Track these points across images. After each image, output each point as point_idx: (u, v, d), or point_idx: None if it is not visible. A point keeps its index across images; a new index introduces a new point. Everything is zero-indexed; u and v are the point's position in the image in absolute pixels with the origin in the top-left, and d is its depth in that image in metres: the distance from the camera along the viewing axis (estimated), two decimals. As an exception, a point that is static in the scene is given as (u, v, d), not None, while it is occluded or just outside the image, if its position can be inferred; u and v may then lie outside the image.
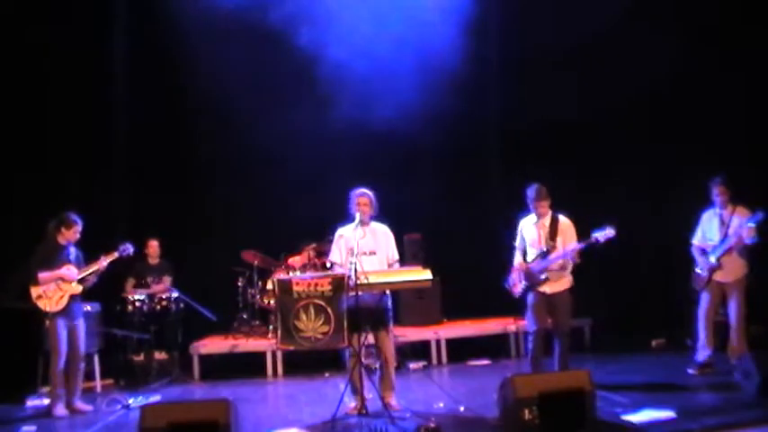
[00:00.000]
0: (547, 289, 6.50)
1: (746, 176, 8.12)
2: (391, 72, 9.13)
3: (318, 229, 8.77)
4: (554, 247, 6.47)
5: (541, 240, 6.55)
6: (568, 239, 6.48)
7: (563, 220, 6.58)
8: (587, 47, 9.02)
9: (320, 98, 9.26)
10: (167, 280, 8.69)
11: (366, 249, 6.09)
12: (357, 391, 5.99)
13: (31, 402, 7.19)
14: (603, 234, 6.25)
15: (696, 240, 7.11)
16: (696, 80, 8.76)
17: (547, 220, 6.57)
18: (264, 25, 9.02)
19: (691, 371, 6.94)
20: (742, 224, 6.72)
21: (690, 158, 8.58)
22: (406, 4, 9.31)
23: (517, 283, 6.68)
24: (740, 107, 8.67)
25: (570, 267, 6.52)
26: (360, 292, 5.77)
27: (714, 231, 6.93)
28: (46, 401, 6.95)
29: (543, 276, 6.49)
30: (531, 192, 6.58)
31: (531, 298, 6.59)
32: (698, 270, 7.00)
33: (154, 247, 8.80)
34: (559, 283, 6.51)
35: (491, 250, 8.95)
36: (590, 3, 8.73)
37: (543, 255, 6.51)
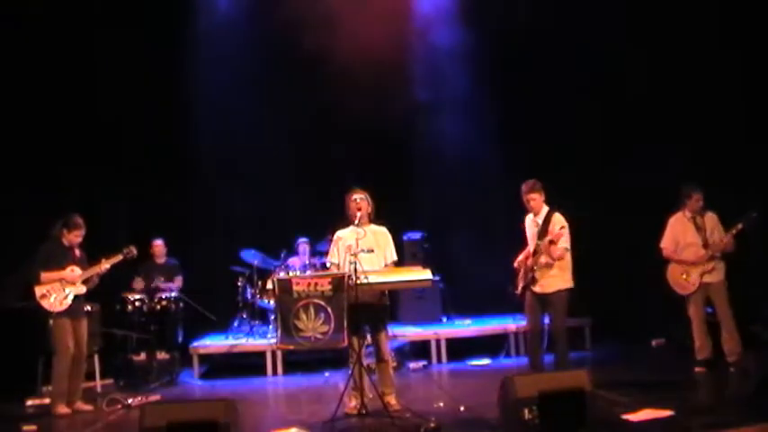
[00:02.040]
0: (538, 289, 6.52)
1: (746, 176, 8.15)
2: (392, 72, 9.14)
3: (318, 228, 8.80)
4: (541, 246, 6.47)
5: (534, 238, 6.56)
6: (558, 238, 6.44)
7: (556, 218, 6.54)
8: (587, 47, 9.03)
9: (321, 99, 9.28)
10: (179, 279, 8.70)
11: (364, 247, 6.09)
12: (357, 391, 5.99)
13: (31, 402, 7.19)
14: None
15: (666, 244, 7.11)
16: (697, 79, 8.75)
17: (541, 217, 6.57)
18: (266, 26, 9.04)
19: (697, 369, 6.93)
20: (716, 229, 6.89)
21: (690, 158, 8.57)
22: (406, 5, 9.33)
23: (519, 282, 6.71)
24: (740, 106, 8.66)
25: (564, 267, 6.47)
26: (360, 292, 5.77)
27: (692, 236, 6.97)
28: (46, 401, 6.95)
29: (531, 274, 6.51)
30: (523, 185, 6.61)
31: (526, 297, 6.64)
32: (691, 272, 6.95)
33: (159, 246, 8.80)
34: (552, 283, 6.49)
35: (491, 250, 8.97)
36: (590, 2, 8.76)
37: (534, 252, 6.53)
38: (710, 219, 6.98)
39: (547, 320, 6.66)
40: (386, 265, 6.21)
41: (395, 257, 6.32)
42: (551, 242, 6.35)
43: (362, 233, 6.09)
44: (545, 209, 6.60)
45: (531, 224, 6.67)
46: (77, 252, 6.92)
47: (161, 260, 8.83)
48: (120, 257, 6.96)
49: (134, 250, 7.06)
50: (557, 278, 6.50)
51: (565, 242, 6.43)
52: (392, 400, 6.07)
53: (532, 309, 6.59)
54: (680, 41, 8.72)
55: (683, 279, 7.02)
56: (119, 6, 9.08)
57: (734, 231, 6.78)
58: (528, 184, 6.60)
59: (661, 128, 9.12)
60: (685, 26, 8.71)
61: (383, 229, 6.32)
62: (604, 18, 8.84)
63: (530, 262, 6.57)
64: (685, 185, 7.06)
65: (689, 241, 7.00)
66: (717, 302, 6.92)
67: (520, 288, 6.68)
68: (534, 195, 6.56)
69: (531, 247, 6.61)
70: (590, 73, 9.14)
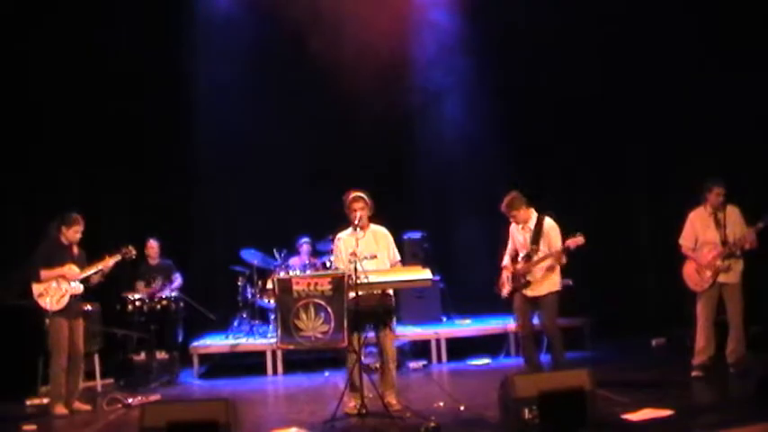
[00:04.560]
0: (529, 292, 6.53)
1: (746, 177, 8.15)
2: (391, 72, 9.14)
3: (319, 228, 8.80)
4: (536, 251, 6.48)
5: (526, 243, 6.56)
6: (553, 242, 6.46)
7: (547, 222, 6.54)
8: (588, 47, 9.03)
9: (322, 99, 9.28)
10: (178, 278, 8.70)
11: (367, 253, 6.05)
12: (357, 391, 5.99)
13: (31, 402, 7.19)
14: (574, 241, 6.27)
15: (684, 241, 6.90)
16: (697, 79, 8.75)
17: (532, 223, 6.56)
18: (267, 24, 9.04)
19: (694, 373, 6.84)
20: (737, 224, 6.64)
21: (690, 158, 8.58)
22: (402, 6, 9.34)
23: (504, 284, 6.73)
24: (741, 106, 8.65)
25: (557, 269, 6.50)
26: (361, 292, 5.77)
27: (711, 232, 6.73)
28: (45, 401, 6.94)
29: (524, 280, 6.52)
30: (502, 206, 6.57)
31: (516, 300, 6.65)
32: (705, 271, 6.71)
33: (153, 247, 8.79)
34: (543, 286, 6.52)
35: (491, 250, 8.96)
36: (590, 2, 8.76)
37: (527, 258, 6.53)
38: (732, 213, 6.68)
39: (536, 321, 6.69)
40: (391, 266, 6.21)
41: (398, 257, 6.32)
42: (567, 249, 6.32)
43: (362, 237, 6.07)
44: (533, 215, 6.59)
45: (520, 231, 6.66)
46: (75, 250, 6.90)
47: (154, 261, 8.81)
48: (118, 257, 6.95)
49: (133, 250, 7.05)
50: (548, 282, 6.53)
51: (560, 244, 6.44)
52: (392, 399, 6.07)
53: (522, 310, 6.63)
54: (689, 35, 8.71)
55: (697, 275, 6.78)
56: (119, 4, 9.09)
57: (756, 228, 6.46)
58: (506, 203, 6.54)
59: (661, 126, 9.13)
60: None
61: (383, 230, 6.31)
62: (605, 12, 8.83)
63: (521, 267, 6.57)
64: (707, 179, 6.77)
65: (708, 238, 6.72)
66: (729, 304, 6.68)
67: (508, 291, 6.69)
68: (514, 212, 6.55)
69: (522, 252, 6.61)
70: (591, 71, 9.12)
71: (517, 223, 6.64)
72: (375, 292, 6.01)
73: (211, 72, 9.25)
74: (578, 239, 6.27)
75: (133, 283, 8.57)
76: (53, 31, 8.69)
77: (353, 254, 5.91)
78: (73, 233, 6.82)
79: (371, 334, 6.19)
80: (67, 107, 8.89)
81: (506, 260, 6.77)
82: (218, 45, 9.18)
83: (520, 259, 6.63)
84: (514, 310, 6.70)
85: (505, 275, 6.74)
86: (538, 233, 6.50)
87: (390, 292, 6.22)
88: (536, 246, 6.48)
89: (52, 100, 8.82)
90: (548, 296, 6.52)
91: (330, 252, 8.69)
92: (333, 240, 6.41)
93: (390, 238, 6.31)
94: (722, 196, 6.69)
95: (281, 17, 9.03)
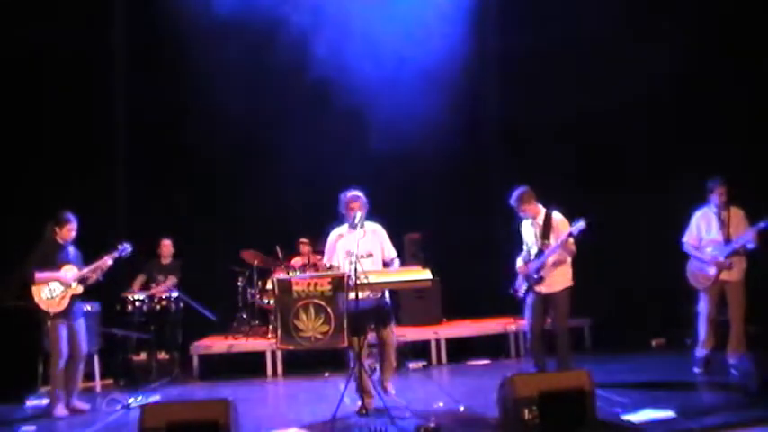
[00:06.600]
0: (543, 289, 6.53)
1: (745, 179, 8.14)
2: (391, 73, 9.14)
3: (319, 228, 8.79)
4: (547, 246, 6.49)
5: (537, 239, 6.57)
6: (562, 235, 6.45)
7: (556, 216, 6.56)
8: (588, 47, 9.02)
9: (321, 99, 9.27)
10: (171, 279, 8.69)
11: (363, 252, 6.04)
12: (361, 392, 5.98)
13: (31, 402, 7.19)
14: (576, 227, 6.30)
15: (689, 239, 7.00)
16: (697, 79, 8.75)
17: (541, 219, 6.59)
18: (267, 28, 9.03)
19: (696, 369, 6.90)
20: (740, 224, 6.74)
21: (690, 158, 8.57)
22: (405, 10, 9.34)
23: (521, 286, 6.74)
24: (742, 108, 8.66)
25: (567, 264, 6.51)
26: (360, 294, 5.76)
27: (715, 231, 6.85)
28: (45, 401, 6.94)
29: (537, 276, 6.53)
30: (512, 198, 6.60)
31: (529, 297, 6.65)
32: (708, 269, 6.83)
33: (167, 246, 8.81)
34: (555, 283, 6.51)
35: (491, 250, 8.97)
36: (590, 2, 8.75)
37: (538, 254, 6.54)
38: (736, 213, 6.81)
39: (549, 320, 6.67)
40: (386, 263, 6.23)
41: (394, 252, 6.32)
42: (570, 235, 6.35)
43: (361, 235, 6.07)
44: (542, 210, 6.62)
45: (530, 227, 6.68)
46: (72, 251, 6.91)
47: (166, 260, 8.84)
48: (115, 255, 6.94)
49: (128, 248, 7.02)
50: (561, 277, 6.53)
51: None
52: (389, 385, 6.12)
53: (535, 309, 6.60)
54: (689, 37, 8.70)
55: (700, 273, 6.89)
56: (120, 4, 9.09)
57: (757, 229, 6.59)
58: (516, 197, 6.58)
59: (662, 127, 9.12)
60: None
61: (377, 227, 6.32)
62: (609, 18, 8.83)
63: (533, 264, 6.58)
64: (710, 180, 6.91)
65: (711, 237, 6.85)
66: (731, 302, 6.78)
67: (524, 290, 6.70)
68: (525, 207, 6.58)
69: (533, 249, 6.62)
70: (592, 71, 9.11)
71: (527, 218, 6.66)
72: (371, 295, 6.02)
73: (212, 72, 9.24)
74: (580, 224, 6.29)
75: (135, 276, 8.56)
76: (55, 25, 8.67)
77: (349, 252, 5.93)
78: (67, 232, 6.82)
79: (371, 335, 6.21)
80: (67, 107, 8.87)
81: (519, 262, 6.76)
82: (218, 46, 9.17)
83: (532, 257, 6.63)
84: (527, 308, 6.67)
85: (520, 277, 6.74)
86: (547, 228, 6.51)
87: (386, 293, 6.20)
88: (547, 240, 6.49)
89: (51, 99, 8.81)
90: (561, 292, 6.51)
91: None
92: (327, 236, 6.38)
93: (384, 234, 6.32)
94: (725, 196, 6.84)
95: (283, 18, 9.04)
